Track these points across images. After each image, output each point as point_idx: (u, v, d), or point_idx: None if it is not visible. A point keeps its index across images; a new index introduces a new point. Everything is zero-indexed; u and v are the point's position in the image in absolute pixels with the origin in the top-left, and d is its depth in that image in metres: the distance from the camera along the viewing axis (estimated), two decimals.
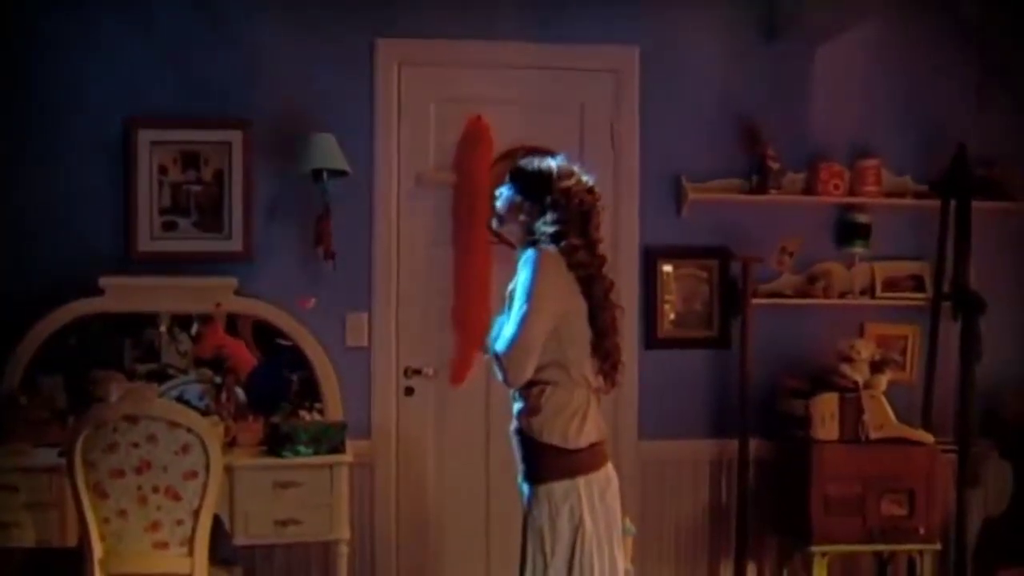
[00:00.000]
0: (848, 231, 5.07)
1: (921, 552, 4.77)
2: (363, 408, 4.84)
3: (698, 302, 5.05)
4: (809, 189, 5.03)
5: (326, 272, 4.73)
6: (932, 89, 5.14)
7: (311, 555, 4.67)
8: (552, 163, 3.26)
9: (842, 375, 4.76)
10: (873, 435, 4.70)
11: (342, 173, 4.65)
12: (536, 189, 3.21)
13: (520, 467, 3.22)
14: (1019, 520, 4.96)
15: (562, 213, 3.17)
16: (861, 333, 5.08)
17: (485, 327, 4.64)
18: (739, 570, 4.93)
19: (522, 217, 3.23)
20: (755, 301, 4.93)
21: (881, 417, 4.70)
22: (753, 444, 4.98)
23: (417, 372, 4.89)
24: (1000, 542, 4.98)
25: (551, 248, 3.10)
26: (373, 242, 4.85)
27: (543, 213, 3.18)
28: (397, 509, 4.90)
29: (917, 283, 5.13)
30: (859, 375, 4.76)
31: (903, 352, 5.16)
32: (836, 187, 5.00)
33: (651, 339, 5.00)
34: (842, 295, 5.05)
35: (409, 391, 4.90)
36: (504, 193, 3.32)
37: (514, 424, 3.19)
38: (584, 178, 3.26)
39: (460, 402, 4.92)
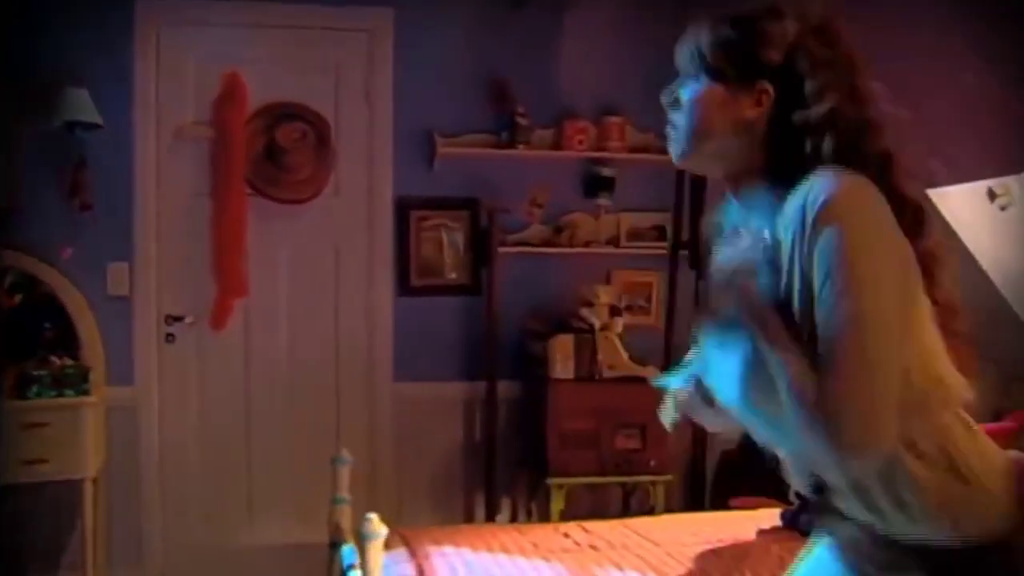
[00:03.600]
0: (593, 184, 5.36)
1: (654, 483, 5.10)
2: (125, 355, 5.01)
3: (450, 251, 5.30)
4: (557, 144, 5.30)
5: (87, 223, 4.88)
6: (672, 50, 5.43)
7: (60, 495, 4.82)
8: None
9: (580, 318, 5.06)
10: (606, 374, 5.01)
11: (96, 126, 4.80)
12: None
13: None
14: (751, 453, 5.29)
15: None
16: (608, 280, 5.38)
17: (242, 275, 4.90)
18: (490, 504, 5.21)
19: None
20: (504, 250, 5.20)
21: (613, 357, 5.01)
22: (504, 386, 5.26)
23: (178, 319, 5.07)
24: (735, 474, 5.33)
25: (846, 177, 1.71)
26: (133, 194, 5.00)
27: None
28: (160, 452, 5.08)
29: (660, 233, 5.45)
30: (597, 318, 5.06)
31: (648, 299, 5.49)
32: (580, 142, 5.29)
33: (404, 287, 5.25)
34: (587, 244, 5.34)
35: (170, 338, 5.08)
36: None
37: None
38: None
39: (220, 348, 5.12)
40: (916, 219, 1.77)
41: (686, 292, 5.31)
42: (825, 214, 1.63)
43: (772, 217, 1.75)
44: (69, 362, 4.71)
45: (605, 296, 5.12)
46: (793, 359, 1.66)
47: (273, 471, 5.13)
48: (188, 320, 5.07)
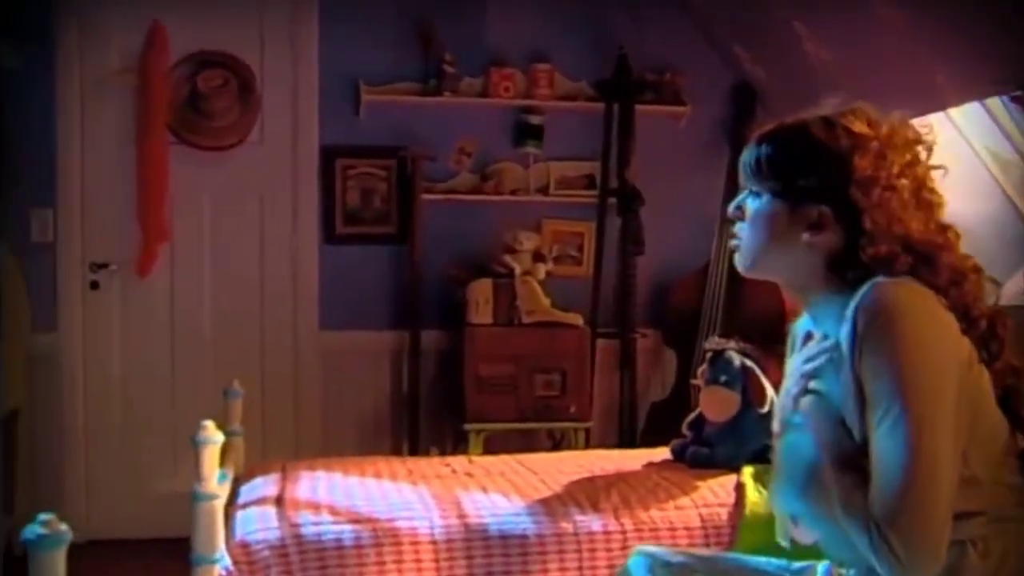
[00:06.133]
0: (522, 132, 5.33)
1: (575, 430, 5.06)
2: (50, 302, 5.04)
3: (377, 199, 5.29)
4: (485, 92, 5.28)
5: (9, 169, 4.90)
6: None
7: None
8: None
9: (501, 263, 5.02)
10: (526, 319, 4.97)
11: (15, 73, 4.84)
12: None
13: None
14: (679, 404, 5.24)
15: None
16: (539, 230, 5.34)
17: (164, 221, 4.92)
18: (413, 453, 5.18)
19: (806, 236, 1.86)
20: (431, 198, 5.18)
21: (533, 302, 4.96)
22: (433, 335, 5.25)
23: (103, 266, 5.10)
24: (666, 422, 5.26)
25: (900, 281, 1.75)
26: (57, 140, 5.03)
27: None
28: (84, 399, 5.11)
29: (590, 182, 5.40)
30: (519, 264, 5.02)
31: (580, 249, 5.45)
32: (507, 90, 5.26)
33: (330, 235, 5.24)
34: (514, 192, 5.31)
35: (95, 285, 5.10)
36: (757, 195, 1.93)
37: None
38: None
39: (145, 295, 5.14)
40: (989, 336, 1.80)
41: (614, 240, 5.28)
42: (876, 320, 1.67)
43: (838, 323, 1.76)
44: None
45: (528, 242, 5.08)
46: (850, 484, 1.69)
47: (197, 418, 5.09)
48: (113, 267, 5.09)
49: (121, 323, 5.15)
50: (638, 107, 5.26)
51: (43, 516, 1.99)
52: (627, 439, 5.21)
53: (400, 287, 5.26)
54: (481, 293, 4.94)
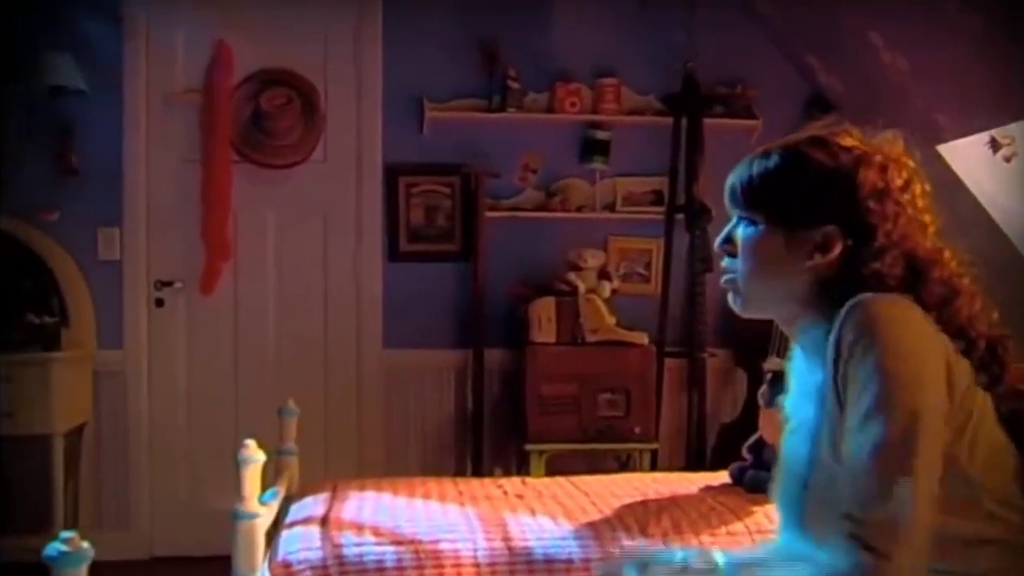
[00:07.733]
0: (588, 148, 5.25)
1: (641, 451, 4.94)
2: (115, 319, 5.07)
3: (441, 217, 5.24)
4: (550, 108, 5.20)
5: (76, 187, 4.96)
6: (671, 10, 5.27)
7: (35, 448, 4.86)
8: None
9: (565, 281, 4.93)
10: (589, 337, 4.87)
11: (81, 92, 4.88)
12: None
13: None
14: (750, 426, 5.09)
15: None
16: (605, 247, 5.24)
17: (227, 239, 4.93)
18: (477, 473, 5.11)
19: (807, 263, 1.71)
20: (496, 215, 5.12)
21: (596, 320, 4.86)
22: (498, 353, 5.18)
23: (167, 284, 5.12)
24: (733, 447, 5.11)
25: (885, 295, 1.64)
26: (123, 159, 5.07)
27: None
28: (149, 415, 5.12)
29: (657, 198, 5.29)
30: (583, 282, 4.93)
31: (648, 266, 5.33)
32: (573, 105, 5.18)
33: (394, 253, 5.20)
34: (580, 209, 5.22)
35: (160, 303, 5.13)
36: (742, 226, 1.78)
37: None
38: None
39: (209, 313, 5.15)
40: (990, 358, 1.70)
41: (682, 257, 5.16)
42: (859, 329, 1.56)
43: (823, 350, 1.65)
44: (48, 320, 4.77)
45: (593, 260, 4.99)
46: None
47: (260, 435, 5.10)
48: (177, 285, 5.11)
49: (185, 340, 5.17)
50: (707, 121, 5.13)
51: (65, 534, 1.96)
52: (695, 461, 5.07)
53: (463, 305, 5.20)
54: (544, 311, 4.86)
